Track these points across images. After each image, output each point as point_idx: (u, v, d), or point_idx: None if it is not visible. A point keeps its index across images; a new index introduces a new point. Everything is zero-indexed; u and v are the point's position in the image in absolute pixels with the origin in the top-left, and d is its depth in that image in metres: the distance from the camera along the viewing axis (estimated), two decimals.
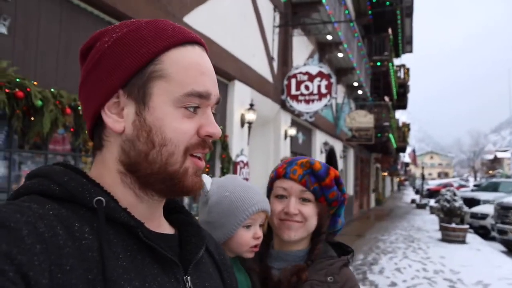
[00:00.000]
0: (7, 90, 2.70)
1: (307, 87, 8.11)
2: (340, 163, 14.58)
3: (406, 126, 30.16)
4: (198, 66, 0.65)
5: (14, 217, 0.50)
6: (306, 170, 1.23)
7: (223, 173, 5.89)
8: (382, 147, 19.80)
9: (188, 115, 0.64)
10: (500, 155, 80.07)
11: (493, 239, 11.73)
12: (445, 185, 30.77)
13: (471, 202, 14.65)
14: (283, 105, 8.42)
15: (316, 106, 8.06)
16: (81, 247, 0.54)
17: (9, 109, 2.73)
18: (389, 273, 7.29)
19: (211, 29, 5.56)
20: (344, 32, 11.00)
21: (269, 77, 7.91)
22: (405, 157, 56.21)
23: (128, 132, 0.63)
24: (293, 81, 8.24)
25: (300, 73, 8.20)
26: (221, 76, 6.10)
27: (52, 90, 3.08)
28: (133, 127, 0.63)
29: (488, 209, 12.77)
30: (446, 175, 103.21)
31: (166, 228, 0.72)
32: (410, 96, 35.04)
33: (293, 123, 9.15)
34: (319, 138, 11.73)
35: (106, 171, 0.65)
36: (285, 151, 8.60)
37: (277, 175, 1.27)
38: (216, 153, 5.98)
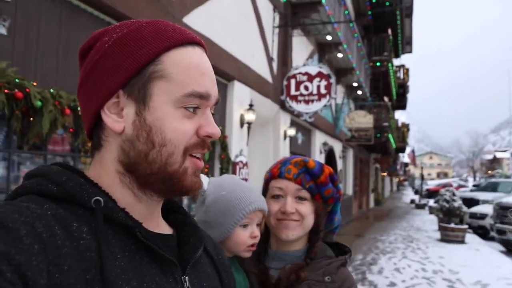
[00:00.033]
0: (6, 91, 2.70)
1: (306, 88, 8.11)
2: (339, 164, 14.58)
3: (406, 126, 30.16)
4: (198, 67, 0.66)
5: (12, 217, 0.50)
6: (300, 169, 1.23)
7: (222, 174, 5.88)
8: (381, 148, 19.80)
9: (188, 115, 0.64)
10: (499, 155, 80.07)
11: (492, 239, 11.73)
12: (444, 185, 30.78)
13: (470, 202, 14.65)
14: (283, 106, 8.42)
15: (316, 106, 8.06)
16: (79, 247, 0.54)
17: (8, 109, 2.73)
18: (388, 273, 7.29)
19: (211, 30, 5.56)
20: (344, 32, 11.00)
21: (268, 77, 7.91)
22: (405, 158, 56.23)
23: (127, 132, 0.63)
24: (293, 81, 8.24)
25: (300, 73, 8.20)
26: (221, 77, 6.10)
27: (51, 90, 3.08)
28: (133, 127, 0.63)
29: (487, 209, 12.77)
30: (445, 175, 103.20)
31: (164, 228, 0.72)
32: (410, 96, 35.06)
33: (293, 124, 9.14)
34: (319, 139, 11.73)
35: (105, 171, 0.65)
36: (285, 151, 8.60)
37: (272, 176, 1.28)
38: (215, 153, 5.98)
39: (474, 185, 27.34)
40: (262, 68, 7.59)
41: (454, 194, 11.24)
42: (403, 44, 25.05)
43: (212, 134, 0.66)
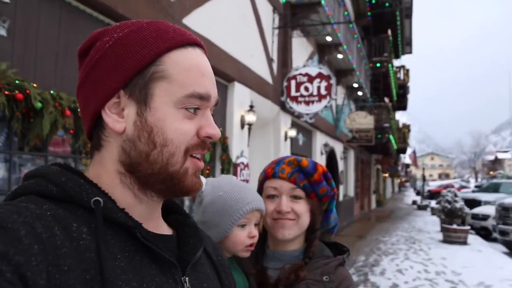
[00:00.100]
0: (6, 92, 2.70)
1: (306, 89, 8.11)
2: (340, 165, 14.58)
3: (406, 127, 30.18)
4: (199, 68, 0.66)
5: (12, 217, 0.50)
6: (294, 168, 1.24)
7: None
8: (382, 148, 19.80)
9: (189, 116, 0.64)
10: (501, 156, 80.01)
11: (494, 240, 11.71)
12: (446, 186, 30.76)
13: (472, 203, 14.64)
14: (283, 107, 8.42)
15: (316, 107, 8.06)
16: (79, 248, 0.54)
17: (8, 111, 2.73)
18: (391, 274, 7.28)
19: (211, 31, 5.57)
20: (344, 33, 11.01)
21: (268, 78, 7.92)
22: (406, 158, 56.18)
23: (128, 132, 0.63)
24: (293, 82, 8.24)
25: (300, 74, 8.20)
26: (221, 78, 6.10)
27: (51, 92, 3.08)
28: (134, 128, 0.63)
29: (489, 210, 12.75)
30: (447, 176, 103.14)
31: (164, 229, 0.72)
32: (410, 97, 35.07)
33: (293, 125, 9.15)
34: (319, 140, 11.73)
35: (105, 171, 0.65)
36: (285, 152, 8.60)
37: (266, 176, 1.28)
38: (216, 154, 5.98)
39: (476, 186, 27.29)
40: (262, 69, 7.59)
41: (456, 195, 11.22)
42: (403, 45, 25.06)
43: (212, 135, 0.67)
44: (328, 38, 10.39)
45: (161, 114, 0.63)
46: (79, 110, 0.70)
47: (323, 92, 7.99)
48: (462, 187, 32.84)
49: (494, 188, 17.40)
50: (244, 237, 1.13)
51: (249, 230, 1.14)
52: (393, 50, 21.91)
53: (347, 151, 16.44)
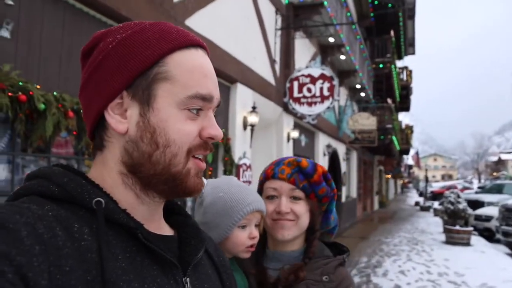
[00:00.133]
0: (10, 94, 2.71)
1: (309, 90, 8.11)
2: (343, 166, 14.55)
3: (409, 128, 30.09)
4: (202, 69, 0.66)
5: (13, 218, 0.50)
6: (294, 169, 1.24)
7: None
8: (385, 149, 19.76)
9: (191, 117, 0.65)
10: (504, 157, 79.61)
11: (497, 241, 11.67)
12: (449, 187, 30.69)
13: (475, 204, 14.60)
14: (286, 108, 8.42)
15: (319, 108, 8.06)
16: (80, 248, 0.54)
17: (12, 112, 2.74)
18: (393, 275, 7.26)
19: (213, 32, 5.58)
20: (346, 34, 11.00)
21: (271, 79, 7.92)
22: (409, 160, 56.05)
23: (131, 133, 0.64)
24: (295, 83, 8.24)
25: (302, 75, 8.19)
26: (223, 79, 6.10)
27: (54, 93, 3.09)
28: (137, 128, 0.63)
29: (493, 211, 12.70)
30: (450, 177, 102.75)
31: (165, 230, 0.72)
32: (413, 98, 34.98)
33: (296, 126, 9.14)
34: (322, 141, 11.72)
35: (107, 171, 0.66)
36: (288, 153, 8.59)
37: (266, 177, 1.29)
38: (218, 156, 5.98)
39: (479, 187, 27.21)
40: (264, 70, 7.60)
41: (459, 196, 11.18)
42: (406, 45, 25.01)
43: (214, 136, 0.67)
44: (331, 39, 10.38)
45: (164, 115, 0.63)
46: (82, 111, 0.71)
47: (325, 93, 7.98)
48: (465, 188, 32.80)
49: (498, 189, 17.35)
50: (244, 238, 1.13)
51: (250, 231, 1.14)
52: (396, 51, 21.86)
53: (349, 152, 16.41)
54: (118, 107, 0.64)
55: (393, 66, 19.11)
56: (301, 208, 1.22)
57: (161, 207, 0.71)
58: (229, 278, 0.83)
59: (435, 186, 43.47)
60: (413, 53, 29.41)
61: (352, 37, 12.16)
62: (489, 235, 12.48)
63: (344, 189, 14.48)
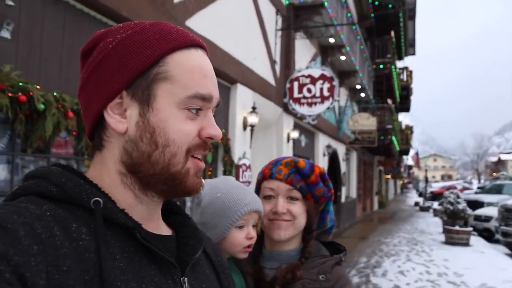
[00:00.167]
0: (10, 94, 2.71)
1: (309, 90, 8.11)
2: (343, 166, 14.55)
3: (409, 128, 30.07)
4: (201, 69, 0.66)
5: (11, 218, 0.50)
6: (291, 169, 1.25)
7: None
8: (385, 150, 19.75)
9: (191, 117, 0.65)
10: (504, 157, 79.57)
11: (497, 241, 11.66)
12: (448, 188, 30.64)
13: (475, 204, 14.60)
14: (286, 108, 8.42)
15: (319, 109, 8.06)
16: (78, 248, 0.54)
17: (12, 113, 2.74)
18: (393, 276, 7.26)
19: (214, 33, 5.58)
20: (347, 35, 11.00)
21: (271, 80, 7.92)
22: (408, 160, 56.05)
23: (131, 133, 0.64)
24: (296, 84, 8.24)
25: (303, 76, 8.19)
26: (224, 79, 6.10)
27: (54, 94, 3.09)
28: (136, 128, 0.63)
29: (492, 211, 12.70)
30: (449, 177, 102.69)
31: (164, 230, 0.73)
32: (413, 98, 34.96)
33: (296, 126, 9.14)
34: (322, 141, 11.72)
35: (106, 171, 0.66)
36: (288, 154, 8.59)
37: (263, 177, 1.29)
38: (218, 156, 5.98)
39: (478, 188, 27.19)
40: (265, 71, 7.60)
41: (458, 197, 11.17)
42: (406, 46, 25.00)
43: (214, 136, 0.67)
44: (331, 40, 10.38)
45: (163, 114, 0.63)
46: (81, 111, 0.71)
47: (325, 93, 7.98)
48: (465, 188, 32.76)
49: (497, 190, 17.35)
50: (242, 239, 1.13)
51: (247, 232, 1.14)
52: (396, 51, 21.86)
53: (349, 152, 16.41)
54: (118, 107, 0.64)
55: (393, 66, 19.11)
56: (298, 209, 1.23)
57: (159, 207, 0.71)
58: (227, 278, 0.83)
59: (435, 187, 43.43)
60: (414, 53, 29.41)
61: (353, 37, 12.15)
62: (488, 236, 12.48)
63: (343, 190, 14.47)
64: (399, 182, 53.35)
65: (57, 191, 0.59)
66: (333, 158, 13.30)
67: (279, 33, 8.20)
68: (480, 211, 13.40)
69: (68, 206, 0.59)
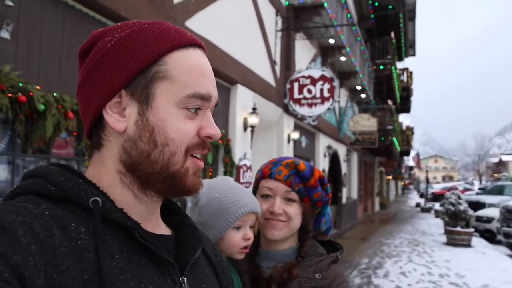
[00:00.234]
0: (10, 95, 2.72)
1: (309, 91, 8.11)
2: (343, 167, 14.55)
3: (410, 129, 30.10)
4: (200, 69, 0.66)
5: (10, 217, 0.50)
6: (291, 171, 1.24)
7: None
8: (385, 151, 19.74)
9: (190, 116, 0.65)
10: (505, 158, 79.53)
11: (498, 242, 11.65)
12: (450, 189, 30.60)
13: (476, 205, 14.59)
14: (286, 109, 8.42)
15: (319, 109, 8.06)
16: (77, 248, 0.54)
17: (12, 113, 2.74)
18: (394, 277, 7.25)
19: (213, 34, 5.58)
20: (347, 35, 11.01)
21: (271, 81, 7.92)
22: (409, 161, 55.97)
23: (130, 132, 0.63)
24: (296, 85, 8.24)
25: (303, 76, 8.20)
26: (224, 80, 6.10)
27: (54, 94, 3.09)
28: (136, 127, 0.63)
29: (494, 212, 12.69)
30: (450, 178, 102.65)
31: (163, 229, 0.72)
32: (414, 99, 34.99)
33: (296, 127, 9.14)
34: (323, 142, 11.72)
35: (105, 170, 0.65)
36: (288, 155, 8.59)
37: (262, 175, 1.29)
38: (219, 157, 5.98)
39: (480, 189, 27.22)
40: (265, 71, 7.60)
41: (459, 198, 11.17)
42: (406, 47, 25.01)
43: (213, 135, 0.67)
44: (331, 41, 10.39)
45: (162, 113, 0.63)
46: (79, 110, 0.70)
47: (326, 94, 7.99)
48: (466, 189, 32.72)
49: (498, 191, 17.33)
50: (239, 239, 1.13)
51: (244, 232, 1.14)
52: (397, 52, 21.87)
53: (350, 153, 16.41)
54: (117, 106, 0.64)
55: (393, 67, 19.13)
56: (294, 210, 1.23)
57: (158, 206, 0.71)
58: (226, 278, 0.83)
59: (436, 188, 43.37)
60: (414, 54, 29.42)
61: (353, 38, 12.16)
62: (490, 237, 12.47)
63: (344, 191, 14.47)
64: (400, 183, 53.35)
65: (55, 190, 0.59)
66: (334, 159, 13.30)
67: (279, 33, 8.21)
68: (481, 212, 13.39)
69: (67, 205, 0.58)
